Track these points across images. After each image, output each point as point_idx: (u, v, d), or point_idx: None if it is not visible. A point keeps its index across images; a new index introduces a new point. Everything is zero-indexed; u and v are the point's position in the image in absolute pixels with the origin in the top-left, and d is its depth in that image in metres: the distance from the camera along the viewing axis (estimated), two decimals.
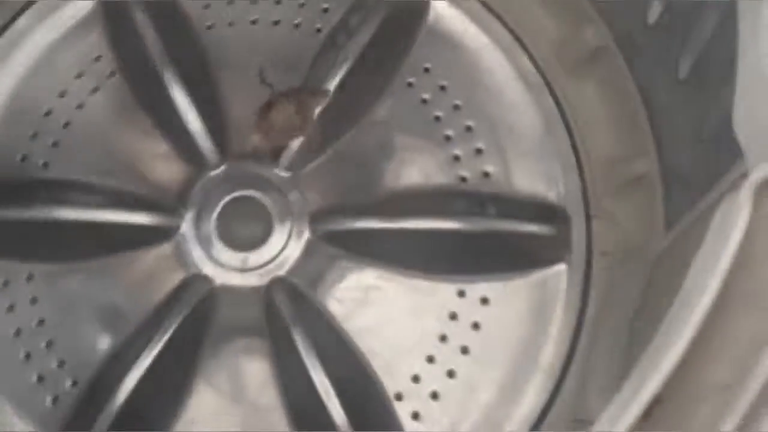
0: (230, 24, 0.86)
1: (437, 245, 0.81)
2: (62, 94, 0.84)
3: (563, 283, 0.79)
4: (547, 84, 0.83)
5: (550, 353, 0.79)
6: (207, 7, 0.86)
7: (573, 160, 0.81)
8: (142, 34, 0.83)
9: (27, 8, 0.85)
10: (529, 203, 0.81)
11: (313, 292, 0.81)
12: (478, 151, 0.83)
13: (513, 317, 0.79)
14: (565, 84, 0.82)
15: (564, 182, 0.81)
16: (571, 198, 0.81)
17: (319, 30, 0.86)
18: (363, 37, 0.83)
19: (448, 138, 0.83)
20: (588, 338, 0.78)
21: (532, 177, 0.82)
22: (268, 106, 0.83)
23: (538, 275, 0.80)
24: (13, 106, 0.84)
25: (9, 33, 0.85)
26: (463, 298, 0.80)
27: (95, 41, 0.85)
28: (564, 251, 0.79)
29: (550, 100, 0.83)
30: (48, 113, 0.84)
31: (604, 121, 0.81)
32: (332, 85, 0.82)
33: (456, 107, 0.84)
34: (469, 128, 0.83)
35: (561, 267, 0.80)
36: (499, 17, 0.84)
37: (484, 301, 0.80)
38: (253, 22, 0.86)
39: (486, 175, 0.82)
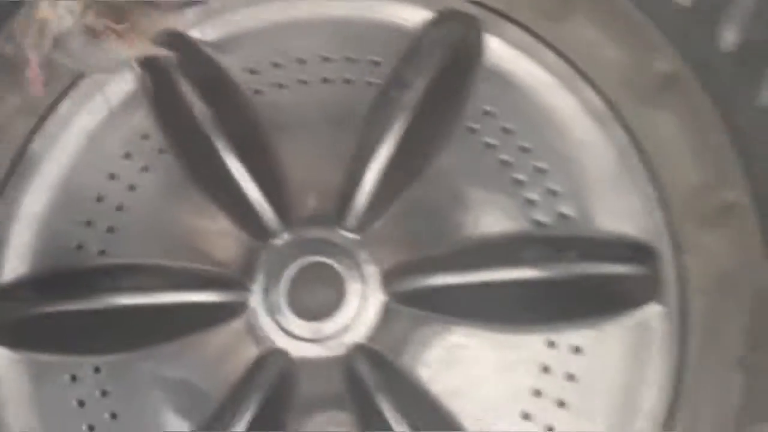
0: (280, 86, 0.83)
1: (519, 296, 0.77)
2: (112, 177, 0.81)
3: (658, 324, 0.75)
4: (618, 116, 0.78)
5: (652, 398, 0.75)
6: (254, 72, 0.83)
7: (653, 193, 0.77)
8: (189, 106, 0.80)
9: (69, 91, 0.82)
10: (612, 242, 0.77)
11: (395, 357, 0.77)
12: (553, 193, 0.79)
13: (608, 364, 0.75)
14: (637, 114, 0.78)
15: (646, 217, 0.77)
16: (656, 233, 0.76)
17: (370, 84, 0.83)
18: (418, 86, 0.79)
19: (518, 182, 0.79)
20: (692, 379, 0.74)
21: (612, 214, 0.77)
22: None
23: (630, 318, 0.75)
24: (64, 194, 0.81)
25: (52, 119, 0.82)
26: (554, 349, 0.76)
27: (141, 119, 0.82)
28: (655, 290, 0.75)
29: (622, 133, 0.78)
30: (100, 198, 0.81)
31: (683, 150, 0.77)
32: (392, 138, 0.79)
33: (523, 149, 0.80)
34: (539, 170, 0.79)
35: (654, 307, 0.75)
36: (557, 51, 0.80)
37: (577, 350, 0.76)
38: (303, 82, 0.83)
39: (563, 217, 0.78)
